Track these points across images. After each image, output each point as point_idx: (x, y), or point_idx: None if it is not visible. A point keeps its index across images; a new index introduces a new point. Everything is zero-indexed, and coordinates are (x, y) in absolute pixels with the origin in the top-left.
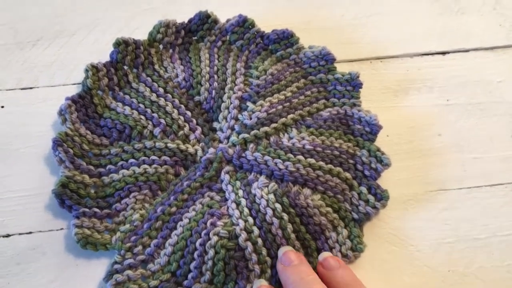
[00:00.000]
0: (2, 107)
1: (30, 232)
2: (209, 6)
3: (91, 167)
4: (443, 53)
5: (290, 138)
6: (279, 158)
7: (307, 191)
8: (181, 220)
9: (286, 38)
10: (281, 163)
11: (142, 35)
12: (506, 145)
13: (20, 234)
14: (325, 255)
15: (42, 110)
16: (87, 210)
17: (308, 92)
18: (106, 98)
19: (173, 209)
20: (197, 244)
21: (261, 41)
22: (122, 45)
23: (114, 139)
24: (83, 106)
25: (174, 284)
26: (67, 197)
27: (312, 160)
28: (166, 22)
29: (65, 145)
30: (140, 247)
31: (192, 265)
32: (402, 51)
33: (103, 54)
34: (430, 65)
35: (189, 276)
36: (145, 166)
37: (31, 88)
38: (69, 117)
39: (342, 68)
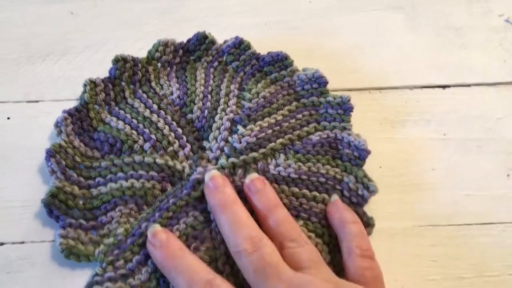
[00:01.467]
0: (8, 118)
1: (23, 242)
2: (212, 29)
3: (81, 179)
4: (444, 86)
5: (277, 165)
6: None
7: None
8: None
9: (280, 61)
10: None
11: (145, 54)
12: (500, 183)
13: (13, 243)
14: (252, 176)
15: (47, 124)
16: (73, 221)
17: (300, 116)
18: (102, 112)
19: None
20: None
21: (257, 63)
22: (120, 62)
23: (106, 153)
24: (79, 119)
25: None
26: (55, 207)
27: (295, 189)
28: (164, 41)
29: (58, 156)
30: (122, 261)
31: (171, 286)
32: (402, 82)
33: (108, 72)
34: (430, 97)
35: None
36: (133, 180)
37: (37, 101)
38: (64, 129)
39: None
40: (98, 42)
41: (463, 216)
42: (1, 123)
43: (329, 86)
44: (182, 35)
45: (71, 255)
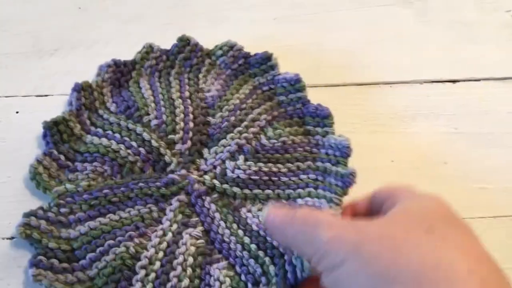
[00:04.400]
0: (17, 112)
1: None
2: (223, 23)
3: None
4: (453, 81)
5: (249, 210)
6: (223, 221)
7: None
8: (114, 213)
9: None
10: (221, 228)
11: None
12: None
13: None
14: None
15: None
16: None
17: (304, 177)
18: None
19: (115, 199)
20: (106, 243)
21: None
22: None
23: (120, 112)
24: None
25: (68, 259)
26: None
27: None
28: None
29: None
30: (67, 210)
31: (90, 255)
32: (411, 77)
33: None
34: (440, 92)
35: (87, 257)
36: (122, 146)
37: (46, 95)
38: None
39: (351, 91)
40: (107, 36)
41: (476, 209)
42: (10, 117)
43: (338, 81)
44: (192, 29)
45: (37, 176)
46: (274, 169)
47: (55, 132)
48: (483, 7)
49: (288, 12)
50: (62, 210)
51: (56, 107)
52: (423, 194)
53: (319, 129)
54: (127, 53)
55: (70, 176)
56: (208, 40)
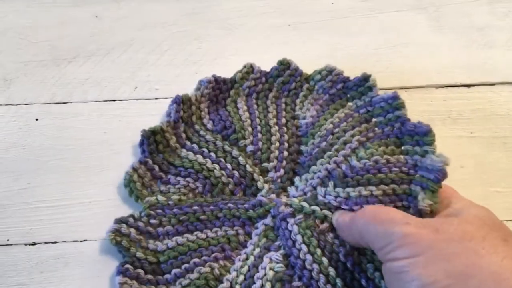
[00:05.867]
0: (36, 120)
1: (55, 242)
2: (237, 29)
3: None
4: (468, 85)
5: (336, 237)
6: (305, 245)
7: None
8: (201, 231)
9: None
10: (302, 253)
11: (172, 56)
12: None
13: (45, 243)
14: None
15: (73, 125)
16: (150, 161)
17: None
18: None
19: (203, 217)
20: (192, 261)
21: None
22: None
23: (216, 131)
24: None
25: (154, 271)
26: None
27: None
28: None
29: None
30: (156, 222)
31: (175, 271)
32: (427, 82)
33: (135, 72)
34: (455, 97)
35: (172, 272)
36: (217, 166)
37: (64, 103)
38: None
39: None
40: (123, 43)
41: (494, 213)
42: (29, 124)
43: None
44: (207, 36)
45: (131, 183)
46: (365, 193)
47: (152, 141)
48: (496, 12)
49: (302, 19)
50: (152, 221)
51: (74, 114)
52: (475, 204)
53: (417, 148)
54: (143, 61)
55: (162, 187)
56: (222, 47)
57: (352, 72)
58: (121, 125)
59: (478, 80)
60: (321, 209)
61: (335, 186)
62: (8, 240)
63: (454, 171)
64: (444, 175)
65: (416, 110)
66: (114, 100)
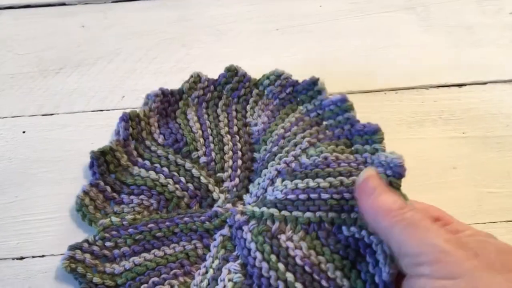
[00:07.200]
0: (24, 132)
1: (43, 256)
2: (226, 35)
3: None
4: (460, 85)
5: (289, 239)
6: (259, 253)
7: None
8: (159, 249)
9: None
10: (258, 261)
11: (159, 63)
12: None
13: (33, 257)
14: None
15: (61, 136)
16: (101, 183)
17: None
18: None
19: (160, 234)
20: (151, 281)
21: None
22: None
23: (168, 145)
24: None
25: None
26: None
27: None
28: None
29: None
30: (112, 244)
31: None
32: (417, 82)
33: (122, 81)
34: (446, 97)
35: None
36: (170, 181)
37: (51, 114)
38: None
39: (356, 99)
40: (110, 52)
41: (487, 214)
42: (16, 137)
43: (343, 89)
44: (196, 42)
45: (83, 205)
46: (312, 184)
47: (102, 162)
48: (485, 10)
49: (290, 23)
50: (107, 244)
51: (62, 125)
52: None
53: (367, 147)
54: (130, 70)
55: (115, 208)
56: (211, 53)
57: (342, 75)
58: (109, 135)
59: (469, 79)
60: (268, 208)
61: (282, 181)
62: None
63: (446, 172)
64: (404, 170)
65: (406, 112)
66: (101, 110)
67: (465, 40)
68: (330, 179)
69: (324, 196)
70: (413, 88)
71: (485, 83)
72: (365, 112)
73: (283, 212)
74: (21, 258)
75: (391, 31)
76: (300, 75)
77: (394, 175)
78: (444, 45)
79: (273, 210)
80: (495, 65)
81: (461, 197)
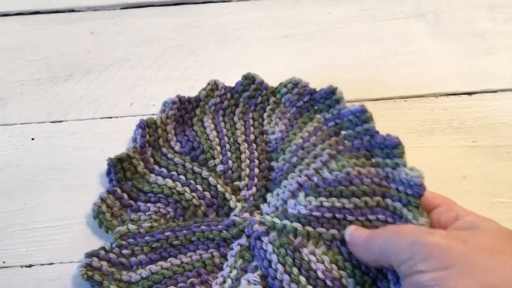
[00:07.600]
0: (33, 139)
1: (52, 263)
2: (235, 42)
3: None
4: (470, 93)
5: (312, 253)
6: (281, 265)
7: None
8: (175, 257)
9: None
10: (279, 273)
11: (168, 71)
12: None
13: (41, 264)
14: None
15: (70, 143)
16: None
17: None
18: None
19: (177, 242)
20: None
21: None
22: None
23: (185, 152)
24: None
25: None
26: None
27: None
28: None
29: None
30: (129, 252)
31: None
32: (427, 90)
33: (131, 88)
34: (456, 105)
35: None
36: (187, 189)
37: (60, 121)
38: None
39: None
40: (120, 59)
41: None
42: (25, 144)
43: (353, 96)
44: (204, 49)
45: (100, 214)
46: (338, 204)
47: (119, 169)
48: (496, 18)
49: (299, 30)
50: (124, 251)
51: (71, 132)
52: (483, 216)
53: (388, 161)
54: (139, 77)
55: (132, 216)
56: (219, 60)
57: (352, 83)
58: (118, 142)
59: (480, 87)
60: (291, 222)
61: (306, 196)
62: (4, 262)
63: (456, 181)
64: (424, 189)
65: (416, 120)
66: (110, 117)
67: (475, 47)
68: (354, 199)
69: (350, 218)
70: (422, 96)
71: (495, 91)
72: (374, 120)
73: (307, 228)
74: (30, 266)
75: (400, 39)
76: (310, 83)
77: (413, 194)
78: (454, 53)
79: (297, 225)
80: (505, 73)
81: (471, 207)
